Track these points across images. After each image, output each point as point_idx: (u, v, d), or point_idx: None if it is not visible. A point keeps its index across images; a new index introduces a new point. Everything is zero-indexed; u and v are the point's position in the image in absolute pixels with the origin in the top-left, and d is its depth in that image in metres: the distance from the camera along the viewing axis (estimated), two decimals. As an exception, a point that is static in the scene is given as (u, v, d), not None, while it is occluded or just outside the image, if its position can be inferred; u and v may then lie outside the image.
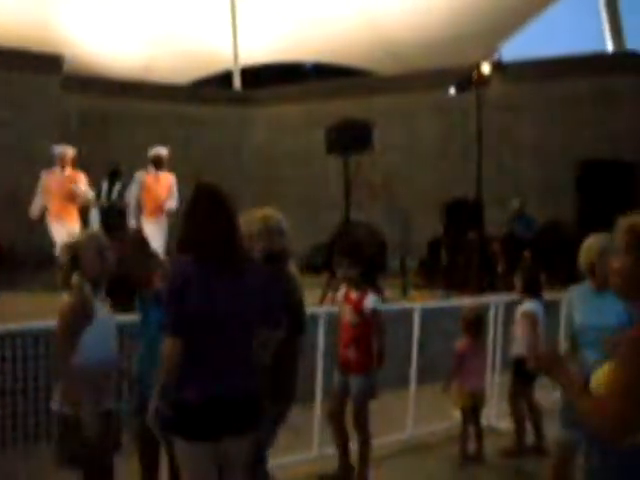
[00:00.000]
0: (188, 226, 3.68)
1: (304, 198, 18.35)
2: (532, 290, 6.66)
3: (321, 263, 12.93)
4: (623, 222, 2.78)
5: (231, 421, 3.53)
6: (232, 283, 3.59)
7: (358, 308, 5.63)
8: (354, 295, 5.69)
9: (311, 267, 13.03)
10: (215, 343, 3.52)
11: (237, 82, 21.73)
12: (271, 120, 20.08)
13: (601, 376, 2.68)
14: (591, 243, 4.81)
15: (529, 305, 6.59)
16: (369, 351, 5.61)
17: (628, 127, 16.39)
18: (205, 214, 3.63)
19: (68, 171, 10.24)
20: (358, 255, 5.97)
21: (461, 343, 6.57)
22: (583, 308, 4.84)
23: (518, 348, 6.56)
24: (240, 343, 3.60)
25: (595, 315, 4.71)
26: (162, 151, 10.65)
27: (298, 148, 19.10)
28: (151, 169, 10.57)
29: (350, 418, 5.72)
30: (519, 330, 6.59)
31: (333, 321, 6.27)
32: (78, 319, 3.92)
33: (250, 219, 4.34)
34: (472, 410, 6.56)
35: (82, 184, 10.23)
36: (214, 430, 3.50)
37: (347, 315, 5.68)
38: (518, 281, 6.78)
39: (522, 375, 6.50)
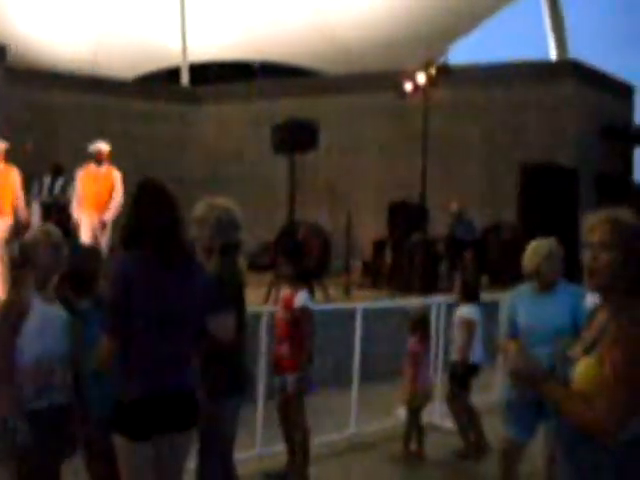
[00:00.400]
0: (131, 222, 3.64)
1: (250, 197, 18.26)
2: (470, 294, 6.77)
3: (267, 262, 12.91)
4: (602, 218, 2.73)
5: (170, 419, 3.52)
6: (175, 280, 3.56)
7: (289, 305, 5.65)
8: (287, 293, 5.72)
9: (256, 266, 13.00)
10: (155, 341, 3.48)
11: (185, 78, 21.56)
12: (218, 118, 19.97)
13: (583, 372, 2.65)
14: (538, 245, 4.95)
15: (466, 310, 6.69)
16: (300, 348, 5.61)
17: (570, 133, 16.72)
18: (148, 211, 3.59)
19: (1, 165, 9.97)
20: (293, 254, 5.99)
21: (412, 342, 6.62)
22: (528, 308, 4.95)
23: (454, 352, 6.69)
24: (180, 341, 3.58)
25: (541, 315, 4.86)
26: (103, 146, 10.52)
27: (245, 147, 19.04)
28: (93, 164, 10.44)
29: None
30: (456, 335, 6.70)
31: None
32: (12, 317, 3.85)
33: (208, 208, 4.29)
34: (418, 409, 6.64)
35: (16, 179, 9.94)
36: (153, 428, 3.48)
37: (279, 312, 5.71)
38: (456, 286, 6.92)
39: (457, 379, 6.63)
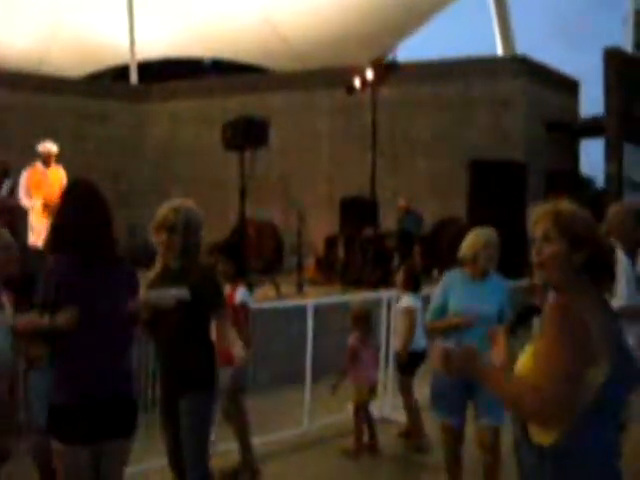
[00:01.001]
0: (62, 223, 3.59)
1: (202, 195, 18.18)
2: (411, 285, 6.87)
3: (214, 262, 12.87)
4: (544, 210, 2.76)
5: (107, 423, 3.48)
6: (106, 282, 3.54)
7: (230, 302, 5.67)
8: (227, 290, 5.74)
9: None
10: (89, 343, 3.46)
11: (134, 76, 21.36)
12: (168, 115, 19.85)
13: (527, 359, 2.67)
14: (478, 233, 5.09)
15: (407, 299, 6.78)
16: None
17: (519, 128, 16.95)
18: (79, 211, 3.56)
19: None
20: (231, 252, 6.06)
21: (352, 338, 6.67)
22: (460, 294, 5.06)
23: (397, 342, 6.78)
24: (114, 343, 3.55)
25: (473, 301, 4.99)
26: (51, 147, 10.45)
27: (196, 144, 18.94)
28: (40, 165, 10.35)
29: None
30: (398, 324, 6.79)
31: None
32: None
33: (174, 211, 4.27)
34: (364, 404, 6.69)
35: None
36: (89, 432, 3.44)
37: None
38: (399, 277, 7.03)
39: (401, 368, 6.72)
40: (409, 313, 6.68)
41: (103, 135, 18.80)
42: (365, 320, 6.73)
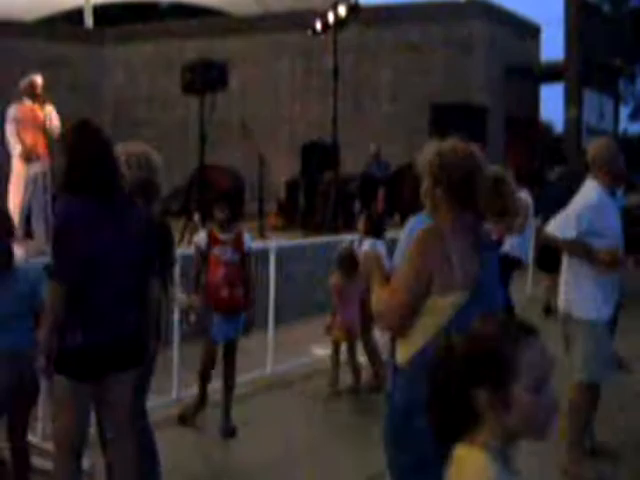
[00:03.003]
0: (70, 167, 3.53)
1: (161, 141, 17.95)
2: (373, 230, 6.84)
3: (178, 207, 12.77)
4: (427, 148, 3.09)
5: (115, 360, 3.55)
6: (117, 225, 3.54)
7: (240, 247, 5.68)
8: (226, 236, 5.68)
9: (169, 211, 12.83)
10: (101, 286, 3.48)
11: (89, 20, 20.86)
12: (125, 60, 19.48)
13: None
14: None
15: (368, 244, 6.76)
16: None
17: (479, 72, 16.92)
18: (88, 154, 3.51)
19: None
20: (231, 197, 6.03)
21: (335, 277, 6.66)
22: None
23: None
24: (125, 286, 3.57)
25: None
26: (37, 78, 8.98)
27: (154, 89, 18.65)
28: (26, 100, 8.92)
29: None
30: (360, 270, 6.75)
31: (187, 263, 6.28)
32: None
33: (126, 155, 4.17)
34: (347, 344, 6.74)
35: None
36: (97, 371, 3.50)
37: (227, 255, 5.65)
38: (360, 224, 6.99)
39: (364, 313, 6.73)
40: (371, 258, 6.64)
41: (58, 81, 18.35)
42: (351, 261, 6.69)
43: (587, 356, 4.67)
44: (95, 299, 3.47)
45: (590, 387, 4.75)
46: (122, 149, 4.11)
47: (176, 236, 9.27)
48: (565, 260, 4.91)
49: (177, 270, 6.13)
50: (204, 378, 5.81)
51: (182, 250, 6.59)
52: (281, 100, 18.01)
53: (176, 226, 9.54)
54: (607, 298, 4.75)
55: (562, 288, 4.91)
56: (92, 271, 3.44)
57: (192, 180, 10.92)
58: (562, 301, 4.88)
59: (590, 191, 4.85)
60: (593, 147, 5.02)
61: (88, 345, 3.44)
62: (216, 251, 5.64)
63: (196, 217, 9.80)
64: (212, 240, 5.67)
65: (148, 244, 3.76)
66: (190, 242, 9.29)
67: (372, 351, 6.84)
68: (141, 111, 18.84)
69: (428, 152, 3.05)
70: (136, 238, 3.65)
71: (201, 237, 5.76)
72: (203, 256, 5.66)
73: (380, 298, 3.01)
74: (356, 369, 6.78)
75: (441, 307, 2.83)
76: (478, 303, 2.79)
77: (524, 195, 7.74)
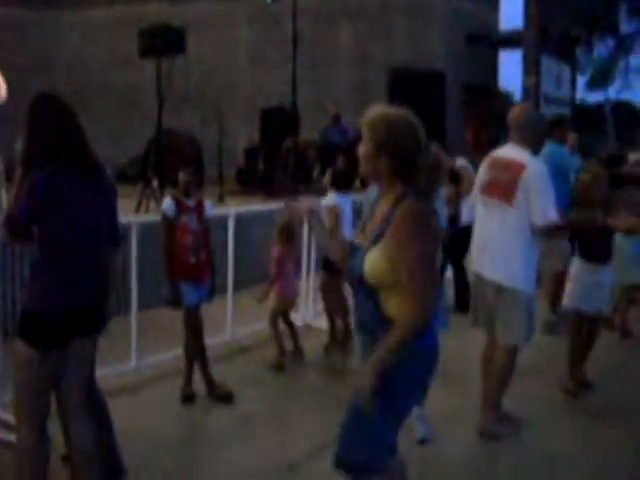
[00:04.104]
0: (37, 137, 3.48)
1: (119, 107, 17.74)
2: (336, 183, 6.87)
3: (135, 173, 12.62)
4: (369, 112, 3.05)
5: (79, 326, 3.54)
6: (87, 192, 3.52)
7: (200, 214, 5.67)
8: (191, 202, 5.64)
9: (125, 178, 12.70)
10: (72, 254, 3.46)
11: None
12: (81, 24, 19.10)
13: (371, 265, 2.92)
14: None
15: (330, 197, 6.79)
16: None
17: (438, 39, 16.91)
18: (55, 123, 3.48)
19: None
20: (198, 161, 5.98)
21: (277, 250, 6.68)
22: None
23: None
24: (93, 253, 3.58)
25: None
26: None
27: (111, 54, 18.34)
28: None
29: None
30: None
31: (146, 231, 6.23)
32: None
33: None
34: (282, 313, 6.79)
35: None
36: (62, 337, 3.49)
37: (191, 222, 5.62)
38: (327, 178, 7.04)
39: (329, 269, 6.76)
40: (331, 212, 6.64)
41: (11, 45, 17.98)
42: (289, 232, 6.71)
43: (518, 322, 4.92)
44: (65, 266, 3.45)
45: (516, 351, 5.02)
46: None
47: (134, 202, 9.26)
48: (497, 232, 4.93)
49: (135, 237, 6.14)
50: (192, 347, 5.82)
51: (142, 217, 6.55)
52: (240, 66, 17.84)
53: (133, 192, 9.50)
54: (534, 272, 4.96)
55: (491, 260, 4.97)
56: (67, 239, 3.43)
57: (150, 146, 10.78)
58: (491, 272, 4.95)
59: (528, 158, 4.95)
60: (511, 113, 5.12)
61: (54, 310, 3.42)
62: (183, 219, 5.60)
63: (154, 183, 9.71)
64: (180, 207, 5.63)
65: (114, 213, 3.80)
66: (148, 208, 9.25)
67: (346, 309, 6.90)
68: (98, 76, 18.53)
69: (375, 116, 3.03)
70: (107, 207, 3.68)
71: (168, 204, 5.62)
72: (172, 224, 5.61)
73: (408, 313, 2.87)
74: (295, 335, 6.87)
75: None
76: None
77: (463, 162, 7.85)
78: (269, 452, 4.85)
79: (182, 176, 5.65)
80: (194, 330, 5.75)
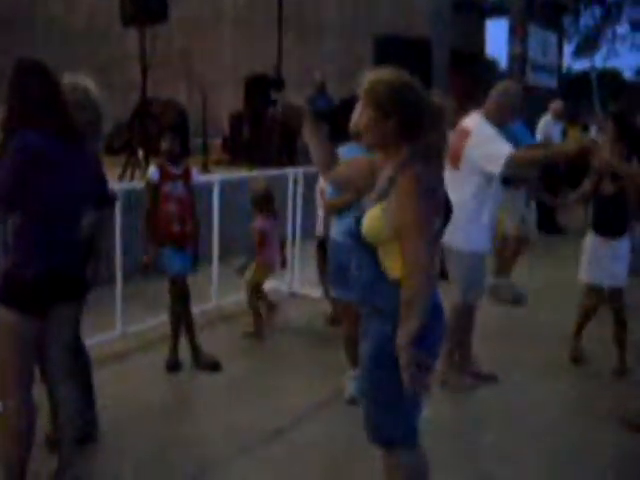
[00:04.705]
0: (21, 102, 3.44)
1: (101, 76, 17.53)
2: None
3: (121, 144, 12.50)
4: (366, 77, 2.95)
5: (63, 291, 3.56)
6: (71, 158, 3.50)
7: (188, 180, 5.66)
8: (177, 170, 5.61)
9: (110, 148, 12.59)
10: (55, 218, 3.47)
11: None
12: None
13: (369, 225, 2.90)
14: None
15: (321, 180, 6.73)
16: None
17: (426, 4, 16.79)
18: (39, 89, 3.46)
19: None
20: (179, 128, 5.94)
21: (259, 221, 6.63)
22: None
23: (320, 226, 6.70)
24: (76, 219, 3.60)
25: None
26: None
27: (93, 21, 18.14)
28: None
29: None
30: (318, 205, 6.72)
31: (132, 198, 6.22)
32: None
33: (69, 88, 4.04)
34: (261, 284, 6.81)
35: None
36: (46, 302, 3.50)
37: (178, 190, 5.60)
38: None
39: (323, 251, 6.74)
40: (321, 194, 6.61)
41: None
42: (267, 200, 6.65)
43: (460, 281, 5.24)
44: (48, 230, 3.45)
45: (462, 309, 5.28)
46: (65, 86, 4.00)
47: (119, 172, 9.18)
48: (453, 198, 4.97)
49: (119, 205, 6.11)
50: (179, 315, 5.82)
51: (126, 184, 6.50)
52: (223, 33, 17.67)
53: (119, 162, 9.42)
54: (481, 233, 5.19)
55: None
56: (51, 202, 3.42)
57: (134, 115, 10.68)
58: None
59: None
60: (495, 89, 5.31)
61: (37, 274, 3.42)
62: (168, 186, 5.57)
63: (140, 153, 9.64)
64: (164, 175, 5.60)
65: (102, 178, 3.85)
66: (133, 177, 9.19)
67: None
68: (79, 44, 18.31)
69: (374, 80, 2.94)
70: (91, 173, 3.69)
71: (152, 171, 5.62)
72: (156, 191, 5.58)
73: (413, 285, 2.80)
74: (272, 305, 7.00)
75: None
76: None
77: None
78: (255, 418, 4.87)
79: (164, 143, 5.61)
80: (181, 299, 5.74)
